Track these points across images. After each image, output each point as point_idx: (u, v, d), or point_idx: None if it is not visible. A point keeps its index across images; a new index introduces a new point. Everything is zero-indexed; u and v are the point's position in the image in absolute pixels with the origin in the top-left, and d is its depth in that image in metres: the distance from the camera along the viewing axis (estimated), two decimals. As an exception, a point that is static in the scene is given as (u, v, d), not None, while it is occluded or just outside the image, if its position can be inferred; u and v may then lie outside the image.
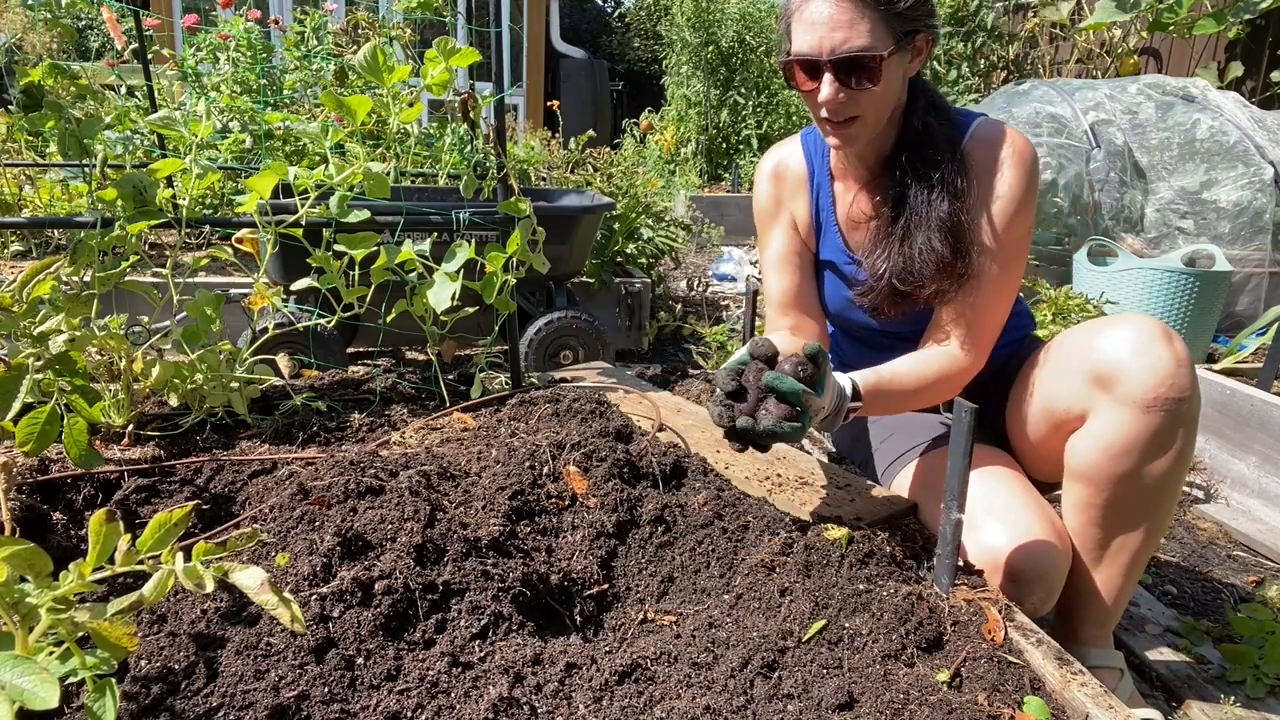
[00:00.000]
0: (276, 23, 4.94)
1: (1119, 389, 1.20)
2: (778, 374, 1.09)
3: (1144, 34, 5.78)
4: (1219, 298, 3.32)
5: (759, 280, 1.76)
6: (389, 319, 1.71)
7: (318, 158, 3.45)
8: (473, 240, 2.27)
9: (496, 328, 1.84)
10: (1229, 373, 2.89)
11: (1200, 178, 3.76)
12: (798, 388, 1.08)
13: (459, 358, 3.12)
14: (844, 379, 1.27)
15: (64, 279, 1.45)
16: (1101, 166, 3.82)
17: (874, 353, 1.63)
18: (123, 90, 4.20)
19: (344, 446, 1.50)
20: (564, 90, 9.51)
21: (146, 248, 3.24)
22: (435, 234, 2.31)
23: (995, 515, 1.28)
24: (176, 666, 0.90)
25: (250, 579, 0.79)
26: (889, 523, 1.35)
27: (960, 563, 1.21)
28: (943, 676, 0.97)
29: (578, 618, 1.13)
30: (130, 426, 1.47)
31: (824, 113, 1.30)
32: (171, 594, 0.97)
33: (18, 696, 0.65)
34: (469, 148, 3.75)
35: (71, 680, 0.80)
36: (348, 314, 1.68)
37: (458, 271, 1.61)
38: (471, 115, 1.78)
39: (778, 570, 1.13)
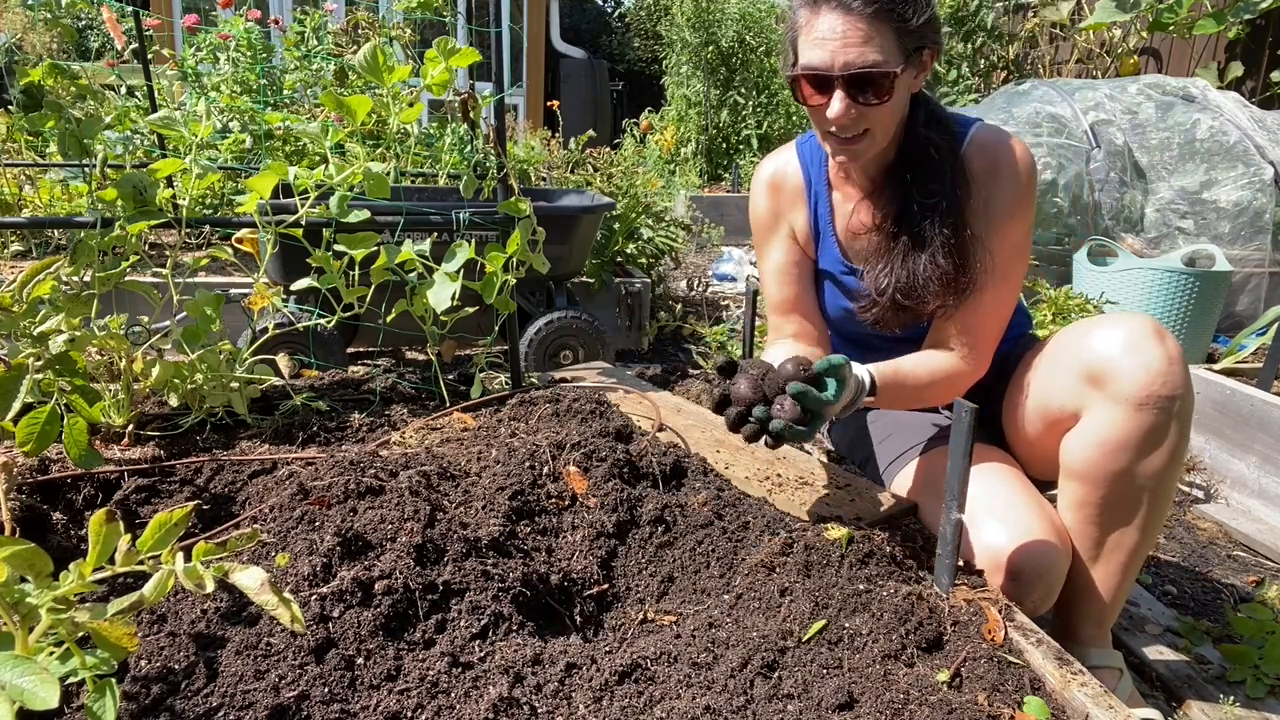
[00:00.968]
0: (276, 23, 4.94)
1: (1111, 387, 1.20)
2: (802, 385, 1.13)
3: (1144, 34, 5.78)
4: (1219, 298, 3.32)
5: (759, 280, 1.76)
6: (389, 319, 1.71)
7: (318, 158, 3.45)
8: (473, 240, 2.27)
9: (496, 328, 1.84)
10: (1229, 373, 2.88)
11: (1200, 178, 3.76)
12: (821, 399, 1.12)
13: (459, 358, 3.12)
14: (862, 371, 1.30)
15: (64, 279, 1.45)
16: (1101, 166, 3.82)
17: (872, 354, 1.63)
18: (123, 90, 4.20)
19: (344, 446, 1.50)
20: (564, 90, 9.50)
21: (146, 248, 3.24)
22: (435, 234, 2.31)
23: (995, 514, 1.28)
24: (176, 666, 0.90)
25: (250, 579, 0.79)
26: (889, 523, 1.35)
27: (960, 562, 1.21)
28: (943, 676, 0.97)
29: (578, 618, 1.13)
30: (130, 426, 1.47)
31: (832, 128, 1.30)
32: (171, 594, 0.97)
33: (18, 696, 0.65)
34: (469, 148, 3.75)
35: (71, 680, 0.80)
36: (348, 314, 1.68)
37: (458, 271, 1.61)
38: (471, 115, 1.78)
39: (778, 570, 1.13)
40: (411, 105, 1.60)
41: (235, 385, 1.56)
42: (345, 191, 1.56)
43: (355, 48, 4.23)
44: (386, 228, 2.11)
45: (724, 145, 8.58)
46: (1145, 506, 1.24)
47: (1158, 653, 1.61)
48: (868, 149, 1.33)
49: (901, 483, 1.50)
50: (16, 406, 1.19)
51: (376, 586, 0.98)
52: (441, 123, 3.95)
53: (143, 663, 0.90)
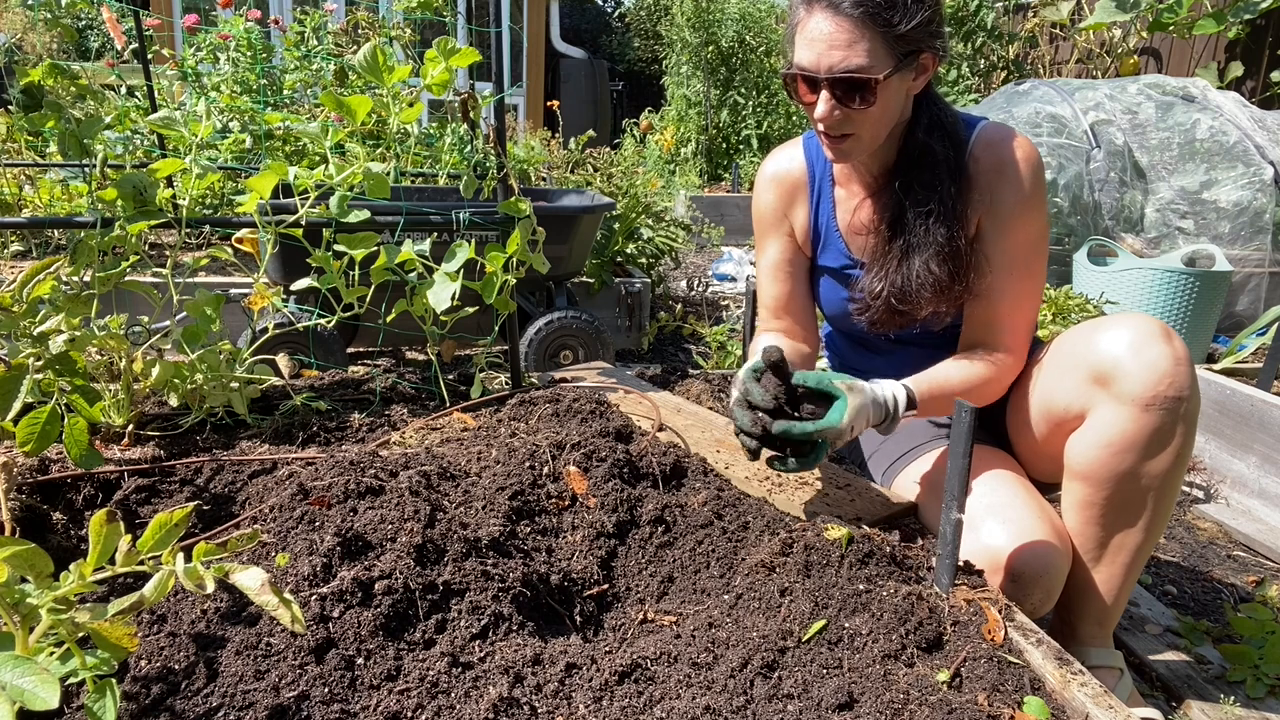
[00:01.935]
0: (276, 23, 4.94)
1: (1118, 387, 1.20)
2: (787, 424, 1.19)
3: (1144, 34, 5.78)
4: (1219, 298, 3.32)
5: (756, 277, 1.76)
6: (389, 319, 1.71)
7: (318, 158, 3.45)
8: (473, 240, 2.27)
9: (496, 328, 1.84)
10: (1229, 373, 2.88)
11: (1200, 178, 3.76)
12: (809, 430, 1.18)
13: (459, 358, 3.12)
14: (897, 388, 1.31)
15: (64, 279, 1.45)
16: (1101, 166, 3.82)
17: (872, 353, 1.63)
18: (123, 90, 4.20)
19: (344, 446, 1.50)
20: (564, 90, 9.51)
21: (146, 248, 3.23)
22: (435, 234, 2.31)
23: (995, 515, 1.28)
24: (176, 666, 0.90)
25: (250, 579, 0.79)
26: (889, 523, 1.35)
27: (960, 562, 1.21)
28: (943, 676, 0.97)
29: (578, 618, 1.13)
30: (130, 426, 1.47)
31: (820, 126, 1.31)
32: (172, 594, 0.98)
33: (18, 697, 0.65)
34: (469, 148, 3.75)
35: (72, 680, 0.80)
36: (348, 314, 1.68)
37: (458, 271, 1.61)
38: (471, 115, 1.78)
39: (778, 570, 1.13)
40: (411, 105, 1.60)
41: (235, 385, 1.56)
42: (345, 191, 1.56)
43: (355, 48, 4.23)
44: (386, 228, 2.11)
45: (724, 145, 8.58)
46: (1150, 507, 1.24)
47: (1158, 653, 1.61)
48: (853, 150, 1.33)
49: (901, 483, 1.50)
50: (17, 406, 1.19)
51: (376, 586, 0.98)
52: (441, 123, 3.95)
53: (143, 663, 0.90)
